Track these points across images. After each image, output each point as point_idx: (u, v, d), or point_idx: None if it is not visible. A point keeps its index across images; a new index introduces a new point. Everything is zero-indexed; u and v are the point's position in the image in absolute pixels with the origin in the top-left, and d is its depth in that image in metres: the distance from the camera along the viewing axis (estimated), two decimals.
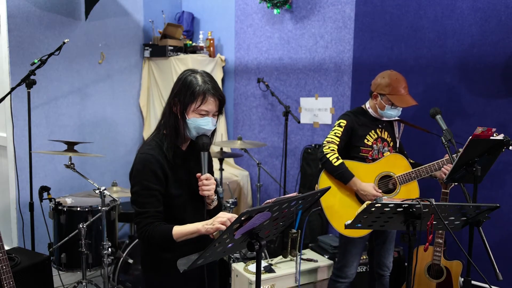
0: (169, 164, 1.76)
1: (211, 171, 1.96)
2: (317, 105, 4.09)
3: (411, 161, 2.78)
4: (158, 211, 1.71)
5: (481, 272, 1.79)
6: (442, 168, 2.55)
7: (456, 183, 2.60)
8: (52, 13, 3.93)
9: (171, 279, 1.82)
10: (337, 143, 2.61)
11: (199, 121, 1.74)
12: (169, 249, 1.79)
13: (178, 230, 1.66)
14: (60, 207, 3.14)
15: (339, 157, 2.56)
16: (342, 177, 2.56)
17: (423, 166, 2.57)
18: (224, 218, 1.59)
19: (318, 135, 4.12)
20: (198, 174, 1.77)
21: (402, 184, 2.61)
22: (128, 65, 4.59)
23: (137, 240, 3.28)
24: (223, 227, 1.57)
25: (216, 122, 1.83)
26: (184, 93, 1.74)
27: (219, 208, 1.92)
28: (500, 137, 2.18)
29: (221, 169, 3.79)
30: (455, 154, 2.29)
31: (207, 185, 1.76)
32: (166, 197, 1.74)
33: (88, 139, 4.21)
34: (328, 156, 2.56)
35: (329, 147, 2.59)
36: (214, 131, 1.86)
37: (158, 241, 1.68)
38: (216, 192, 1.88)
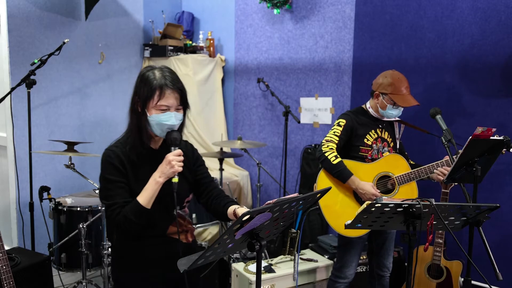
0: (133, 163, 1.73)
1: (203, 167, 1.92)
2: (317, 105, 4.09)
3: (412, 162, 2.77)
4: (127, 201, 1.68)
5: (481, 272, 1.79)
6: (436, 171, 2.53)
7: (456, 183, 2.60)
8: (52, 13, 3.93)
9: (139, 280, 1.80)
10: (336, 142, 2.60)
11: (160, 117, 1.68)
12: (136, 249, 1.77)
13: (140, 196, 1.67)
14: (60, 207, 3.14)
15: (338, 156, 2.56)
16: (341, 175, 2.55)
17: (422, 167, 2.57)
18: (171, 158, 1.67)
19: (318, 135, 4.12)
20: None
21: (401, 184, 2.61)
22: (128, 65, 4.58)
23: None
24: (180, 168, 1.67)
25: (184, 116, 1.76)
26: (142, 90, 1.70)
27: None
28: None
29: (221, 169, 3.79)
30: (455, 156, 2.29)
31: (177, 160, 1.69)
32: (132, 196, 1.71)
33: (88, 139, 4.20)
34: (326, 154, 2.56)
35: (327, 146, 2.59)
36: (182, 127, 1.80)
37: (133, 218, 1.65)
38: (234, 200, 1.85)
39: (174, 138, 1.71)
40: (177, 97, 1.71)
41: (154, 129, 1.72)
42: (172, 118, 1.69)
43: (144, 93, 1.69)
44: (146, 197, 1.67)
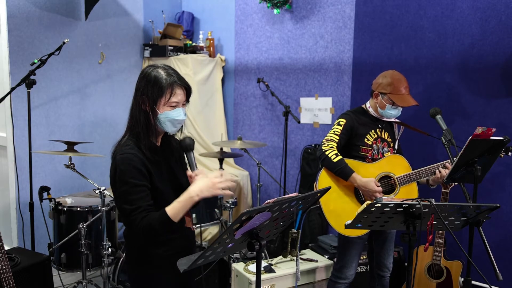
0: (150, 160, 1.76)
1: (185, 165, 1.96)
2: (317, 105, 4.09)
3: None
4: (149, 204, 1.70)
5: (481, 272, 1.79)
6: (437, 171, 2.52)
7: (456, 183, 2.59)
8: (52, 13, 3.93)
9: (161, 272, 1.82)
10: (337, 141, 2.60)
11: (171, 114, 1.76)
12: (158, 244, 1.79)
13: (170, 208, 1.65)
14: (60, 207, 3.14)
15: (338, 154, 2.56)
16: (342, 173, 2.54)
17: (423, 168, 2.57)
18: (216, 180, 1.66)
19: (318, 135, 4.12)
20: (189, 173, 1.80)
21: (402, 185, 2.61)
22: (128, 65, 4.58)
23: None
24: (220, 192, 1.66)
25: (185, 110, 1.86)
26: (151, 89, 1.75)
27: None
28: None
29: (221, 169, 3.79)
30: (455, 158, 2.29)
31: (221, 184, 1.71)
32: (153, 192, 1.74)
33: (88, 139, 4.21)
34: (327, 153, 2.56)
35: (328, 145, 2.59)
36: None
37: (158, 228, 1.65)
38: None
39: (188, 145, 1.83)
40: (184, 93, 1.82)
41: (165, 126, 1.79)
42: (181, 114, 1.79)
43: (154, 91, 1.75)
44: (176, 211, 1.65)
